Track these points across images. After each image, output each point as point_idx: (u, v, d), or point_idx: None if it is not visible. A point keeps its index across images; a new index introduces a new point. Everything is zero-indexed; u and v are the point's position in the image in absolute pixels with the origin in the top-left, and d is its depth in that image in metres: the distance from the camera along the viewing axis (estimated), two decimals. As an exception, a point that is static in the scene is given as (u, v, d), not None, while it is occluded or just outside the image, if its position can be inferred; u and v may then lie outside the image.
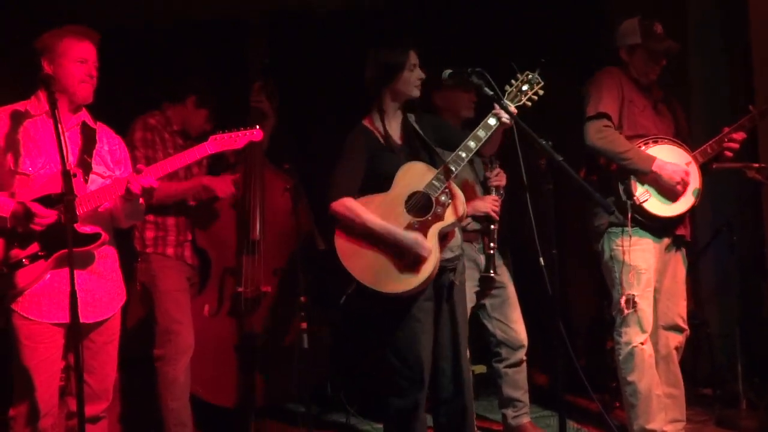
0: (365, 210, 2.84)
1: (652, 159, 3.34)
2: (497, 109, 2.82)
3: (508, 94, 2.89)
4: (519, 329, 3.79)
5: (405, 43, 2.96)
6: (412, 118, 3.06)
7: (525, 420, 3.81)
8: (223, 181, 3.70)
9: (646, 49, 3.45)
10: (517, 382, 3.79)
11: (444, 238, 2.90)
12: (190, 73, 4.07)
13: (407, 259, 2.78)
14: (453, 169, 2.84)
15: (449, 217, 2.84)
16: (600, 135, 3.37)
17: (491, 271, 3.66)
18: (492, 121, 2.85)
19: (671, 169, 3.33)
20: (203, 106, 3.77)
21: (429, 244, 2.78)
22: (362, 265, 2.82)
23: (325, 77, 4.88)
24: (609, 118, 3.40)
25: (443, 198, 2.85)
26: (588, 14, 4.92)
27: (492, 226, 3.66)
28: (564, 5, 4.86)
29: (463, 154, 2.85)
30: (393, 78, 2.92)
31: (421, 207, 2.84)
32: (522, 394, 3.80)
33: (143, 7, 4.69)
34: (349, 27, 4.93)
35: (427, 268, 2.78)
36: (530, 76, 2.90)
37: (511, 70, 2.90)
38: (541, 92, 2.90)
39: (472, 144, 2.85)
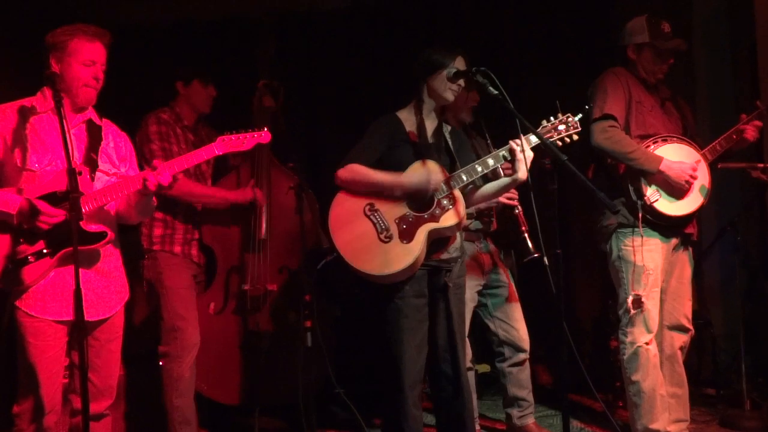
0: (372, 170, 2.85)
1: (659, 159, 3.33)
2: (518, 140, 2.83)
3: (543, 128, 2.91)
4: (521, 328, 3.79)
5: (456, 47, 2.96)
6: (447, 129, 3.08)
7: (530, 420, 3.79)
8: (245, 191, 3.82)
9: (653, 48, 3.43)
10: (521, 381, 3.79)
11: (446, 241, 2.92)
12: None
13: (395, 239, 2.79)
14: (465, 178, 2.88)
15: (444, 221, 2.85)
16: (605, 135, 3.36)
17: (532, 250, 3.61)
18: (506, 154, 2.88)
19: (679, 168, 3.32)
20: (191, 79, 3.79)
21: (439, 178, 2.81)
22: (347, 238, 2.84)
23: (330, 76, 4.88)
24: (614, 119, 3.39)
25: (445, 202, 2.86)
26: (594, 13, 4.90)
27: (515, 211, 3.67)
28: (569, 4, 4.85)
29: (479, 168, 2.89)
30: (432, 73, 2.92)
31: (422, 203, 2.85)
32: (527, 393, 3.79)
33: (148, 7, 4.71)
34: (353, 26, 4.93)
35: (406, 260, 2.78)
36: (570, 119, 2.91)
37: (553, 107, 2.92)
38: (576, 137, 2.92)
39: (491, 162, 2.89)
